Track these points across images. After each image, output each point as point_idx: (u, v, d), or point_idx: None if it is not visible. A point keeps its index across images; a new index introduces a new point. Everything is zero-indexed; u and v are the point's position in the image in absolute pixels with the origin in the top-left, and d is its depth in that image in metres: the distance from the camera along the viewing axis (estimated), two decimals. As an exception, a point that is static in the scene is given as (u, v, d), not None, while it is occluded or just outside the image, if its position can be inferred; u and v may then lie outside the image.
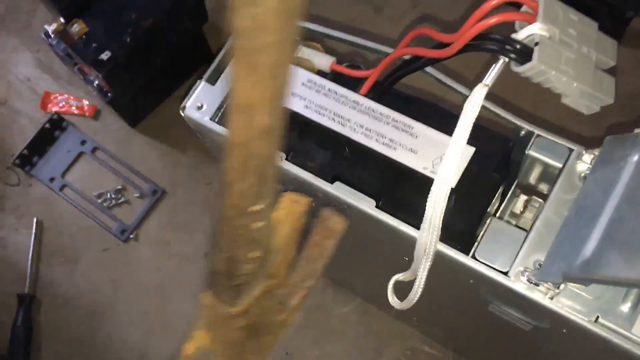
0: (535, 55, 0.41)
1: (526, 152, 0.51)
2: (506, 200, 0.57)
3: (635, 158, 0.43)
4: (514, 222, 0.57)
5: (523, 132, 0.52)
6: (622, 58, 1.07)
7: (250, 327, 0.42)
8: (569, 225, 0.45)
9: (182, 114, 0.55)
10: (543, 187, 0.55)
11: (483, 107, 0.52)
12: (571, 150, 0.50)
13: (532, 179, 0.55)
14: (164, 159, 1.12)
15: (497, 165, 0.54)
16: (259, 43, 0.26)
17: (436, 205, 0.47)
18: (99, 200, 1.09)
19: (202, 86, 0.56)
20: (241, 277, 0.37)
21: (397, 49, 0.50)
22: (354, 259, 0.72)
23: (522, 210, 0.57)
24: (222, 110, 0.55)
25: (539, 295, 0.47)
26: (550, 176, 0.52)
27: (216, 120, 0.55)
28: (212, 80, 0.56)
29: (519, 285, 0.48)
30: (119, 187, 1.10)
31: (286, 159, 0.53)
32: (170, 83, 1.11)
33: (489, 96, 0.52)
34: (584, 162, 0.49)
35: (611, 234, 0.40)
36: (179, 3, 0.99)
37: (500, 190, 0.54)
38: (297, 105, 0.51)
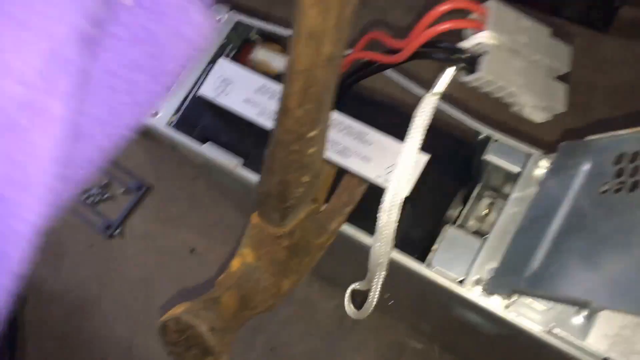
0: (482, 65, 0.40)
1: (483, 157, 0.50)
2: (470, 203, 0.56)
3: (586, 166, 0.42)
4: (477, 226, 0.56)
5: (481, 137, 0.51)
6: (611, 48, 1.07)
7: (293, 248, 0.44)
8: (520, 235, 0.44)
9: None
10: (507, 189, 0.55)
11: (442, 111, 0.52)
12: (529, 155, 0.49)
13: (496, 181, 0.54)
14: (149, 155, 1.11)
15: (457, 169, 0.53)
16: None
17: (389, 214, 0.46)
18: (84, 197, 1.09)
19: (158, 92, 0.55)
20: (291, 199, 0.39)
21: (353, 52, 0.49)
22: (334, 260, 0.71)
23: (486, 212, 0.56)
24: (178, 116, 0.54)
25: (494, 304, 0.46)
26: (511, 179, 0.51)
27: (171, 126, 0.54)
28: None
29: (474, 294, 0.47)
30: (104, 183, 1.10)
31: (243, 165, 0.52)
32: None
33: (449, 99, 0.52)
34: (542, 167, 0.48)
35: (557, 247, 0.39)
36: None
37: (460, 195, 0.54)
38: (250, 112, 0.50)
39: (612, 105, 1.04)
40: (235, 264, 0.44)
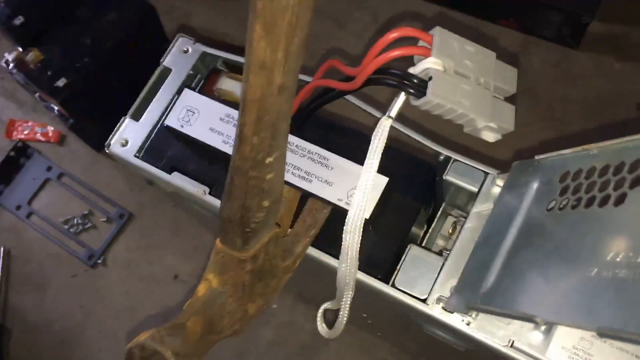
0: (429, 90, 0.42)
1: (444, 177, 0.51)
2: (435, 222, 0.57)
3: (536, 184, 0.43)
4: (443, 244, 0.58)
5: (442, 158, 0.53)
6: (582, 63, 1.09)
7: (257, 272, 0.45)
8: (477, 254, 0.46)
9: (107, 151, 0.56)
10: (470, 208, 0.56)
11: (404, 134, 0.53)
12: (486, 174, 0.51)
13: (459, 200, 0.56)
14: (130, 182, 1.12)
15: (419, 190, 0.54)
16: (277, 5, 0.28)
17: (352, 236, 0.47)
18: (66, 227, 1.10)
19: (126, 122, 0.56)
20: (253, 224, 0.40)
21: (313, 80, 0.51)
22: (310, 281, 0.72)
23: (450, 231, 0.57)
24: (146, 146, 0.56)
25: (456, 321, 0.47)
26: (473, 198, 0.53)
27: (140, 156, 0.55)
28: (137, 117, 0.56)
29: (436, 312, 0.48)
30: (86, 212, 1.11)
31: (209, 193, 0.53)
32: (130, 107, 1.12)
33: (409, 123, 0.53)
34: (499, 185, 0.50)
35: (509, 264, 0.41)
36: (135, 26, 0.99)
37: (424, 214, 0.55)
38: (214, 141, 0.51)
39: (586, 118, 1.06)
40: (201, 289, 0.45)
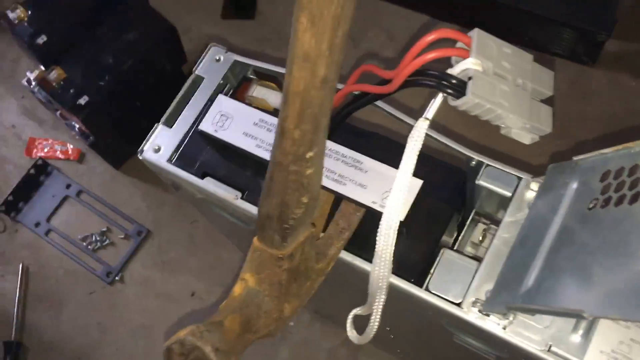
0: (468, 90, 0.42)
1: (476, 182, 0.51)
2: (465, 229, 0.57)
3: (574, 185, 0.43)
4: (473, 252, 0.57)
5: (474, 163, 0.53)
6: (598, 80, 1.09)
7: (293, 271, 0.44)
8: (514, 255, 0.45)
9: (140, 157, 0.56)
10: (500, 215, 0.56)
11: (435, 139, 0.54)
12: (520, 178, 0.51)
13: (489, 207, 0.56)
14: (148, 199, 1.13)
15: (451, 195, 0.54)
16: None
17: (386, 238, 0.47)
18: (84, 243, 1.10)
19: (159, 129, 0.57)
20: (291, 220, 0.40)
21: (346, 85, 0.51)
22: (332, 293, 0.72)
23: (480, 239, 0.57)
24: (179, 152, 0.56)
25: (492, 325, 0.47)
26: (504, 204, 0.53)
27: (173, 162, 0.56)
28: (170, 123, 0.57)
29: (472, 316, 0.48)
30: (104, 229, 1.11)
31: (242, 198, 0.54)
32: (151, 123, 1.12)
33: (440, 129, 0.53)
34: (532, 190, 0.50)
35: (549, 263, 0.40)
36: (157, 46, 1.01)
37: (455, 220, 0.55)
38: (248, 145, 0.51)
39: (601, 135, 1.06)
40: (237, 289, 0.44)
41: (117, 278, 1.08)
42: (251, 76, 0.60)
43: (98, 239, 1.11)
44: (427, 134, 0.49)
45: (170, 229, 1.11)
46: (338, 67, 0.33)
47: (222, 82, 0.58)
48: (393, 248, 0.47)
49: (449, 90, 0.43)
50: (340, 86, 0.54)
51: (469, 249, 0.58)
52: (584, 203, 0.41)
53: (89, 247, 1.10)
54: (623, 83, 1.08)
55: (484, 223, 0.58)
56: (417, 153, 0.46)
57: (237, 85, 0.59)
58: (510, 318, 0.46)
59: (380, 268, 0.48)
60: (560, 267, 0.39)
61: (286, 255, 0.42)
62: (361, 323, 0.54)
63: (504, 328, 0.47)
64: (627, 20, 1.04)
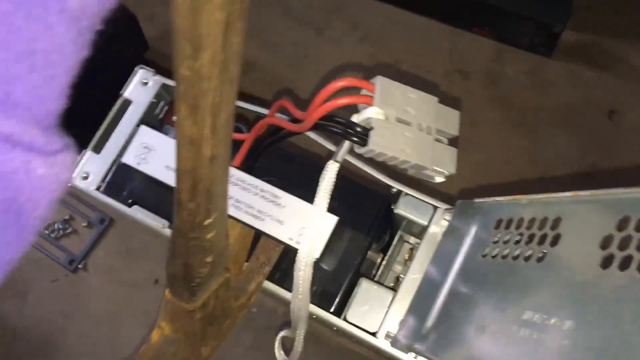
0: (370, 140, 0.43)
1: (394, 210, 0.53)
2: (392, 249, 0.59)
3: (474, 228, 0.44)
4: (401, 270, 0.59)
5: (394, 190, 0.54)
6: (554, 72, 1.10)
7: (208, 317, 0.45)
8: (420, 292, 0.47)
9: (68, 185, 0.57)
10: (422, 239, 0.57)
11: (359, 168, 0.55)
12: (436, 208, 0.52)
13: (414, 229, 0.57)
14: (110, 188, 1.13)
15: (374, 221, 0.55)
16: (199, 89, 0.28)
17: (303, 274, 0.49)
18: (47, 231, 1.11)
19: (87, 156, 0.57)
20: (197, 279, 0.41)
21: (266, 117, 0.52)
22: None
23: (407, 257, 0.59)
24: (107, 179, 0.57)
25: (405, 355, 0.49)
26: (424, 231, 0.54)
27: (101, 190, 0.57)
28: (98, 150, 0.57)
29: (387, 345, 0.50)
30: (67, 217, 1.12)
31: (169, 227, 0.55)
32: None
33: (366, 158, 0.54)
34: (446, 220, 0.51)
35: (446, 307, 0.42)
36: (115, 35, 1.00)
37: (380, 244, 0.56)
38: (170, 179, 0.52)
39: (557, 125, 1.07)
40: (155, 336, 0.46)
41: (80, 266, 1.09)
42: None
43: (61, 227, 1.12)
44: (349, 162, 0.50)
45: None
46: (226, 143, 0.33)
47: (151, 105, 0.59)
48: (309, 283, 0.49)
49: (354, 139, 0.44)
50: (264, 111, 0.55)
51: (397, 268, 0.60)
52: (479, 249, 0.43)
53: (52, 235, 1.11)
54: (578, 73, 1.09)
55: (411, 243, 0.60)
56: (329, 192, 0.47)
57: (168, 108, 0.59)
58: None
59: (298, 300, 0.50)
60: (453, 315, 0.41)
61: (197, 307, 0.43)
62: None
63: (415, 357, 0.49)
64: (582, 12, 1.04)
